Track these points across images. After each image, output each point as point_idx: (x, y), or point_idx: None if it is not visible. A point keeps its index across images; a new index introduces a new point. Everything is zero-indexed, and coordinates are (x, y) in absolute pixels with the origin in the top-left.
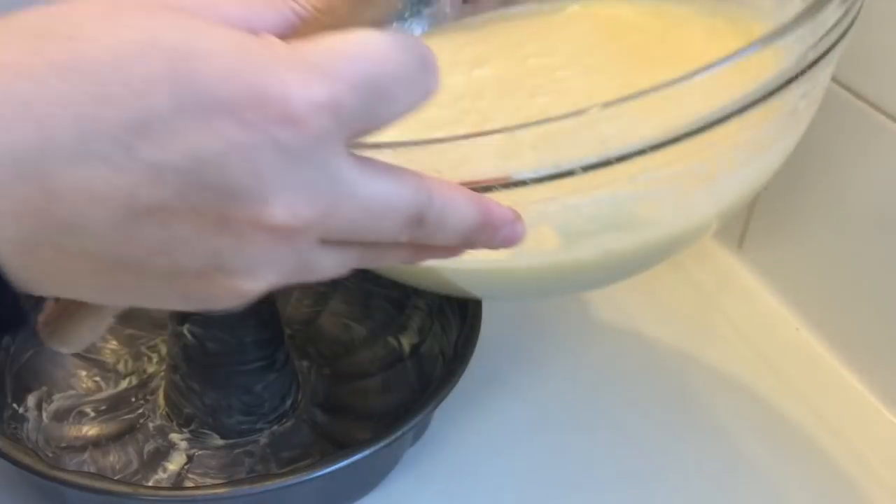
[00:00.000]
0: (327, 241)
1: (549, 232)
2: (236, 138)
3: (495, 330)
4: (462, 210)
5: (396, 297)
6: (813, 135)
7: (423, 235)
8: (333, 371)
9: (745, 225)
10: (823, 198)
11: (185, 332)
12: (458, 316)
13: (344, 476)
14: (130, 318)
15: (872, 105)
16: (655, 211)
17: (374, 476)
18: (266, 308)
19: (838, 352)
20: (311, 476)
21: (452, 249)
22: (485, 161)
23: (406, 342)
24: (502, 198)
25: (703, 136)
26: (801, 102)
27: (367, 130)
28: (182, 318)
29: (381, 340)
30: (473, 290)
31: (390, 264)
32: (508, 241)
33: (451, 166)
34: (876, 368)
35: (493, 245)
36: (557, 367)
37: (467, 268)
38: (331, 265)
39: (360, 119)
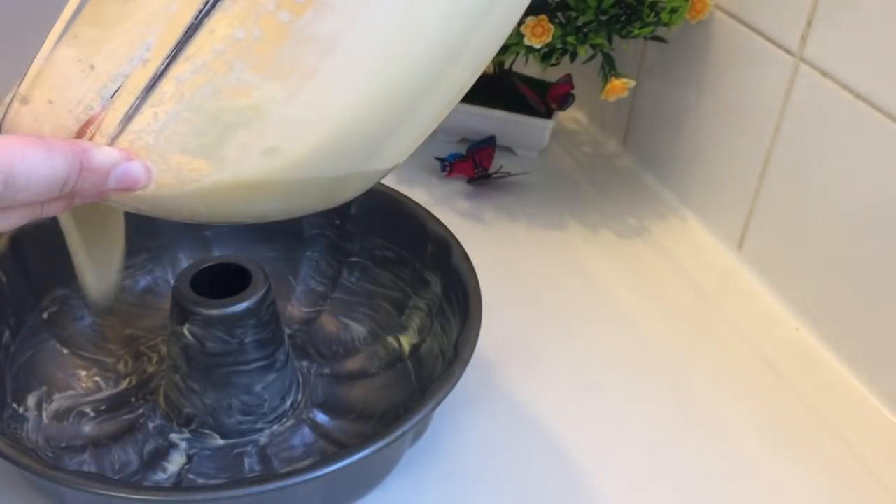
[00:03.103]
0: None
1: (181, 158)
2: None
3: (495, 330)
4: (41, 165)
5: (396, 297)
6: (813, 134)
7: (1, 199)
8: (333, 371)
9: (745, 225)
10: (823, 198)
11: (185, 332)
12: (458, 316)
13: (344, 476)
14: (131, 318)
15: (872, 105)
16: (255, 97)
17: (374, 476)
18: (266, 308)
19: (838, 352)
20: (311, 476)
21: (58, 201)
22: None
23: (406, 342)
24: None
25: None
26: None
27: None
28: (182, 318)
29: (381, 340)
30: (204, 215)
31: None
32: (129, 182)
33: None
34: (876, 368)
35: (111, 188)
36: (557, 367)
37: (166, 195)
38: None
39: None
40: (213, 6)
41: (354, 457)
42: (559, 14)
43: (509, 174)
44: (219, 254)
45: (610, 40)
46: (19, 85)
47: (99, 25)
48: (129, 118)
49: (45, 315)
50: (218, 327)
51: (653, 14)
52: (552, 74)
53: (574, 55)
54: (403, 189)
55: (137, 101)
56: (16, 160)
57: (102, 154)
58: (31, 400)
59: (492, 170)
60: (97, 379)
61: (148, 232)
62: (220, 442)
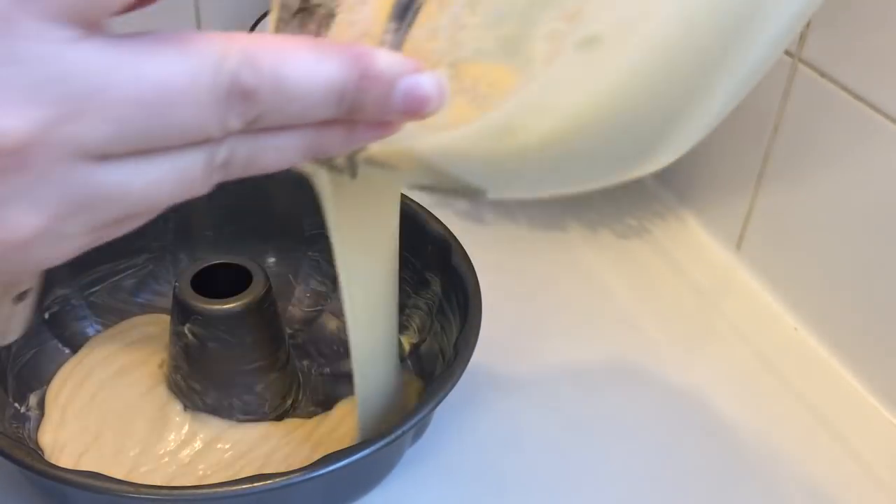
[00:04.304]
0: (108, 155)
1: (475, 67)
2: None
3: (495, 330)
4: (314, 69)
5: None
6: (812, 135)
7: (270, 111)
8: (334, 370)
9: (743, 225)
10: (822, 198)
11: (186, 331)
12: (458, 316)
13: (344, 475)
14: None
15: (871, 106)
16: None
17: (374, 476)
18: (267, 308)
19: (837, 352)
20: (311, 476)
21: (337, 129)
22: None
23: (406, 342)
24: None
25: None
26: None
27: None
28: (183, 317)
29: None
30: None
31: (302, 160)
32: (418, 101)
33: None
34: (875, 368)
35: (397, 108)
36: (557, 367)
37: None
38: (139, 186)
39: None
40: None
41: (354, 456)
42: None
43: None
44: (220, 254)
45: None
46: None
47: None
48: (402, 8)
49: (46, 315)
50: (219, 327)
51: None
52: None
53: None
54: (403, 189)
55: None
56: (284, 61)
57: (386, 60)
58: (33, 399)
59: None
60: None
61: (149, 232)
62: None
